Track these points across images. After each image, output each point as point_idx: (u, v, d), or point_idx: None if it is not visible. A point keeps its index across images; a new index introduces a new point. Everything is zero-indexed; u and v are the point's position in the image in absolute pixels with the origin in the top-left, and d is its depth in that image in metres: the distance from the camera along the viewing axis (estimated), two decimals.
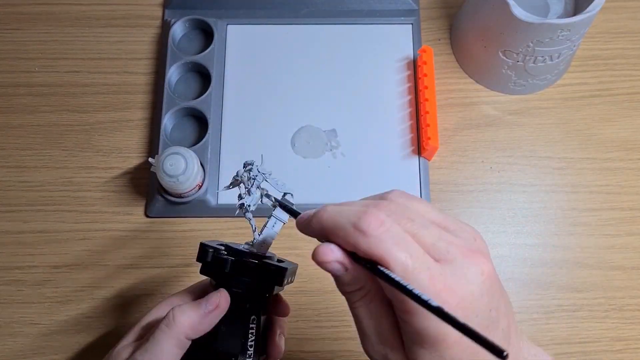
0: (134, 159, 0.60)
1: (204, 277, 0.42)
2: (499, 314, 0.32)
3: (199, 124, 0.60)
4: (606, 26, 0.64)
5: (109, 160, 0.60)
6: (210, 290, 0.41)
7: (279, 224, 0.42)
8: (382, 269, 0.30)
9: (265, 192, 0.43)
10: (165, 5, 0.65)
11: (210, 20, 0.63)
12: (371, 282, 0.32)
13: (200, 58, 0.61)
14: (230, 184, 0.44)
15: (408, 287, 0.28)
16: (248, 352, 0.40)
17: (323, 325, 0.55)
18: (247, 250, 0.41)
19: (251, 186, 0.43)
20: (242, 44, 0.63)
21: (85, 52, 0.64)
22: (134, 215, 0.58)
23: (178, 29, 0.63)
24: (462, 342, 0.30)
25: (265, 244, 0.42)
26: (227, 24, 0.64)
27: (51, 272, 0.56)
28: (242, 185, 0.43)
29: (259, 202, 0.43)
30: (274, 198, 0.42)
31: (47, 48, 0.64)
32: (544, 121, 0.61)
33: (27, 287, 0.56)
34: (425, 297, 0.28)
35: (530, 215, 0.58)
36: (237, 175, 0.43)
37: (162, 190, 0.57)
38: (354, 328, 0.56)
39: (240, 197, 0.42)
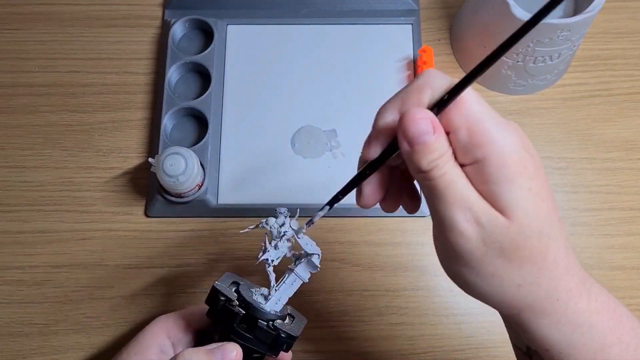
0: (134, 159, 0.60)
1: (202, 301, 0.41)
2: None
3: (199, 124, 0.60)
4: (606, 26, 0.64)
5: (109, 160, 0.60)
6: (211, 330, 0.41)
7: (298, 282, 0.40)
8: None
9: (291, 250, 0.40)
10: (165, 5, 0.65)
11: (210, 20, 0.63)
12: (450, 148, 0.32)
13: (200, 58, 0.61)
14: (256, 226, 0.41)
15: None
16: None
17: (323, 325, 0.55)
18: (261, 308, 0.39)
19: (279, 240, 0.40)
20: (242, 44, 0.63)
21: (85, 52, 0.64)
22: (134, 215, 0.58)
23: (178, 29, 0.63)
24: (539, 172, 0.32)
25: (281, 302, 0.40)
26: (227, 24, 0.64)
27: (51, 272, 0.56)
28: (267, 234, 0.40)
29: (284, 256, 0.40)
30: (299, 253, 0.40)
31: (47, 48, 0.64)
32: (544, 121, 0.61)
33: (27, 287, 0.56)
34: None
35: None
36: (266, 223, 0.40)
37: (162, 190, 0.57)
38: (354, 328, 0.56)
39: (264, 250, 0.40)
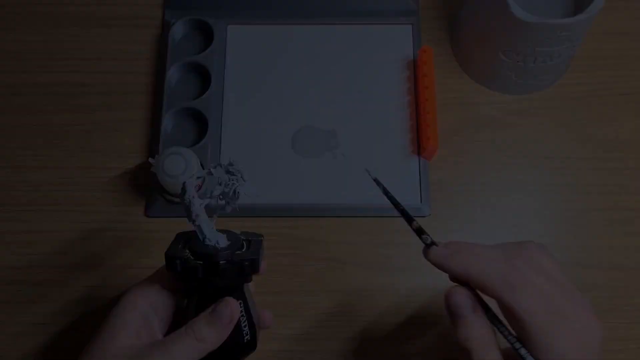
0: (134, 159, 0.60)
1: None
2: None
3: (199, 124, 0.60)
4: (606, 26, 0.64)
5: (109, 160, 0.60)
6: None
7: (203, 202, 0.41)
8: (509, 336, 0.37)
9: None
10: (165, 5, 0.65)
11: (210, 20, 0.63)
12: (489, 329, 0.38)
13: (200, 58, 0.61)
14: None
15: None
16: (245, 336, 0.41)
17: (323, 325, 0.55)
18: (208, 251, 0.40)
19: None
20: (242, 44, 0.63)
21: (85, 52, 0.64)
22: (134, 215, 0.58)
23: (178, 29, 0.63)
24: None
25: (213, 234, 0.41)
26: (227, 24, 0.64)
27: (51, 272, 0.56)
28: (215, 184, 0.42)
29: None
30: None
31: (47, 48, 0.64)
32: (544, 121, 0.61)
33: (27, 287, 0.56)
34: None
35: (530, 215, 0.58)
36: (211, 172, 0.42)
37: (162, 190, 0.57)
38: (354, 328, 0.56)
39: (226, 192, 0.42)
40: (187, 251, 0.41)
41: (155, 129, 0.60)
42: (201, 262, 0.39)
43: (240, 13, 0.64)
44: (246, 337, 0.42)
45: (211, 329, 0.40)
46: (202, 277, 0.39)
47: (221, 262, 0.39)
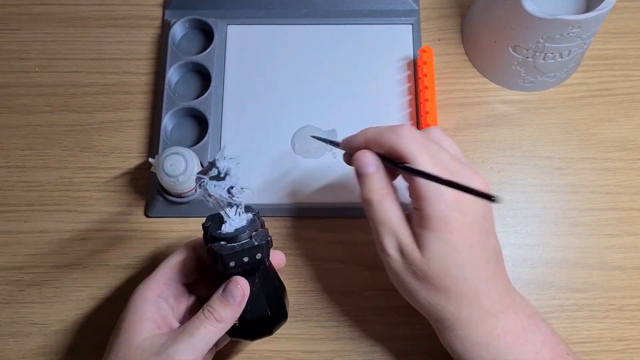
0: (134, 159, 0.60)
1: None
2: (490, 242, 0.44)
3: (199, 124, 0.60)
4: (606, 26, 0.64)
5: (109, 160, 0.60)
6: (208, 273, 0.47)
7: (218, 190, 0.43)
8: (408, 165, 0.41)
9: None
10: (165, 6, 0.65)
11: (210, 20, 0.63)
12: (391, 185, 0.44)
13: (200, 58, 0.61)
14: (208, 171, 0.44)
15: (429, 172, 0.39)
16: (268, 309, 0.45)
17: (323, 325, 0.55)
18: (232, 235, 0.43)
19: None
20: (242, 44, 0.63)
21: (85, 52, 0.64)
22: (134, 215, 0.58)
23: (178, 29, 0.63)
24: (463, 229, 0.40)
25: (238, 216, 0.44)
26: (227, 24, 0.64)
27: (51, 272, 0.56)
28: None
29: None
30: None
31: (47, 48, 0.64)
32: (544, 121, 0.61)
33: (27, 287, 0.56)
34: (441, 176, 0.38)
35: (530, 215, 0.58)
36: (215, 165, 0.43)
37: (162, 190, 0.57)
38: (354, 328, 0.56)
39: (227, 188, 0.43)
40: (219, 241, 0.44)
41: (155, 129, 0.60)
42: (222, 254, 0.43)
43: (240, 13, 0.64)
44: (268, 310, 0.45)
45: (226, 308, 0.43)
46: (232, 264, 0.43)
47: (225, 254, 0.42)
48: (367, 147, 0.44)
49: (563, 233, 0.58)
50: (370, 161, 0.43)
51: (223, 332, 0.43)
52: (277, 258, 0.49)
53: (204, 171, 0.43)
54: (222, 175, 0.43)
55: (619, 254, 0.57)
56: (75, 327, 0.54)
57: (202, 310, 0.43)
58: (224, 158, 0.43)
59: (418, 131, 0.43)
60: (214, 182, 0.42)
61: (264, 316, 0.45)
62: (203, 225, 0.46)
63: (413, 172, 0.40)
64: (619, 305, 0.55)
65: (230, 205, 0.43)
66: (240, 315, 0.44)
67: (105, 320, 0.55)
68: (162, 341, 0.42)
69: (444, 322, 0.43)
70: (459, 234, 0.41)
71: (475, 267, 0.42)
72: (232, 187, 0.43)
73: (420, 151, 0.41)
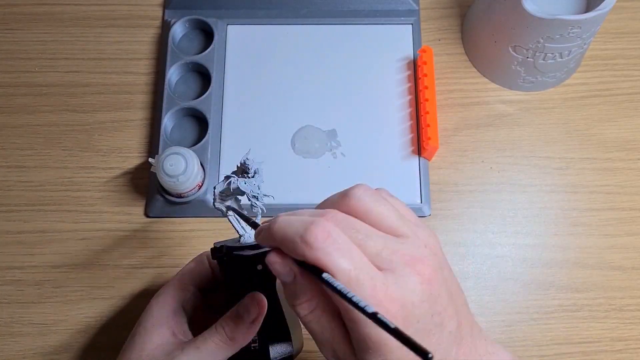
0: (134, 159, 0.60)
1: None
2: (444, 318, 0.33)
3: (199, 124, 0.60)
4: (606, 26, 0.64)
5: (109, 160, 0.60)
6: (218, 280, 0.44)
7: (259, 205, 0.43)
8: (326, 277, 0.30)
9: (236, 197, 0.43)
10: (165, 6, 0.65)
11: (210, 20, 0.63)
12: (320, 295, 0.33)
13: (200, 58, 0.61)
14: (231, 175, 0.43)
15: (348, 294, 0.29)
16: (253, 345, 0.41)
17: None
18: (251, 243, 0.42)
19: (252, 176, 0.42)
20: (242, 44, 0.63)
21: (85, 52, 0.64)
22: (134, 215, 0.58)
23: (178, 29, 0.63)
24: (403, 347, 0.29)
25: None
26: (227, 24, 0.64)
27: (51, 272, 0.56)
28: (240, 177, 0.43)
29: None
30: (232, 203, 0.43)
31: (47, 48, 0.64)
32: (544, 121, 0.61)
33: (27, 287, 0.56)
34: (362, 304, 0.28)
35: (530, 215, 0.58)
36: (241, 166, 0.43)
37: (162, 190, 0.57)
38: None
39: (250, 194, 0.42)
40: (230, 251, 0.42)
41: (155, 129, 0.60)
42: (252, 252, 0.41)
43: (240, 13, 0.64)
44: (254, 345, 0.42)
45: (238, 326, 0.40)
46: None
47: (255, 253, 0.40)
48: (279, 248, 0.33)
49: (563, 233, 0.58)
50: (283, 270, 0.33)
51: (234, 351, 0.41)
52: None
53: (234, 173, 0.42)
54: (250, 175, 0.42)
55: (619, 254, 0.57)
56: (75, 327, 0.54)
57: (216, 324, 0.41)
58: (252, 160, 0.42)
59: (330, 222, 0.31)
60: (244, 179, 0.41)
61: (284, 339, 0.42)
62: (213, 248, 0.43)
63: (338, 293, 0.30)
64: (619, 305, 0.55)
65: (246, 219, 0.40)
66: (261, 337, 0.41)
67: (105, 320, 0.55)
68: (171, 349, 0.41)
69: None
70: (400, 350, 0.32)
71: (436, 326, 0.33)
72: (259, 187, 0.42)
73: (339, 262, 0.30)
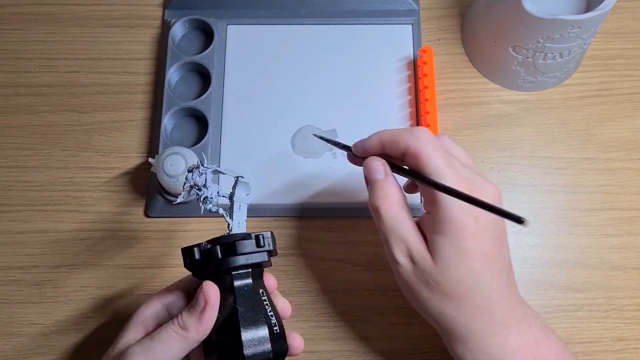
0: (134, 159, 0.60)
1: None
2: (504, 255, 0.42)
3: (199, 124, 0.60)
4: (606, 26, 0.64)
5: (109, 160, 0.60)
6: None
7: (244, 206, 0.45)
8: (422, 175, 0.40)
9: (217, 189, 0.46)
10: (165, 6, 0.65)
11: (210, 20, 0.63)
12: (400, 193, 0.43)
13: (200, 58, 0.61)
14: (185, 191, 0.46)
15: (444, 184, 0.38)
16: (274, 327, 0.41)
17: (323, 326, 0.55)
18: (229, 234, 0.43)
19: (205, 181, 0.45)
20: (242, 44, 0.63)
21: (85, 52, 0.64)
22: (134, 215, 0.58)
23: (178, 29, 0.63)
24: (477, 235, 0.39)
25: (241, 226, 0.44)
26: (227, 24, 0.64)
27: (51, 272, 0.56)
28: (195, 187, 0.45)
29: (217, 195, 0.46)
30: (230, 192, 0.45)
31: (47, 48, 0.64)
32: (544, 121, 0.61)
33: (27, 287, 0.56)
34: (454, 187, 0.37)
35: (530, 215, 0.58)
36: (186, 180, 0.45)
37: (162, 190, 0.57)
38: (353, 328, 0.56)
39: (198, 196, 0.45)
40: (203, 243, 0.43)
41: (155, 129, 0.60)
42: (219, 245, 0.42)
43: (240, 13, 0.64)
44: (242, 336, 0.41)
45: (191, 316, 0.40)
46: (223, 259, 0.41)
47: (237, 241, 0.41)
48: (381, 149, 0.43)
49: (563, 233, 0.58)
50: (379, 168, 0.42)
51: (189, 344, 0.40)
52: (283, 306, 0.45)
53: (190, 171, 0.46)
54: (202, 171, 0.45)
55: (619, 254, 0.57)
56: (75, 327, 0.54)
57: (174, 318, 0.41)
58: (231, 171, 0.45)
59: (433, 135, 0.42)
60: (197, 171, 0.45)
61: (234, 345, 0.39)
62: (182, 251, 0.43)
63: (428, 183, 0.39)
64: (619, 305, 0.55)
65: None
66: (234, 327, 0.40)
67: (105, 321, 0.55)
68: (135, 344, 0.41)
69: (454, 334, 0.41)
70: (473, 241, 0.39)
71: (488, 277, 0.40)
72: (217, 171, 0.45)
73: (436, 154, 0.40)
